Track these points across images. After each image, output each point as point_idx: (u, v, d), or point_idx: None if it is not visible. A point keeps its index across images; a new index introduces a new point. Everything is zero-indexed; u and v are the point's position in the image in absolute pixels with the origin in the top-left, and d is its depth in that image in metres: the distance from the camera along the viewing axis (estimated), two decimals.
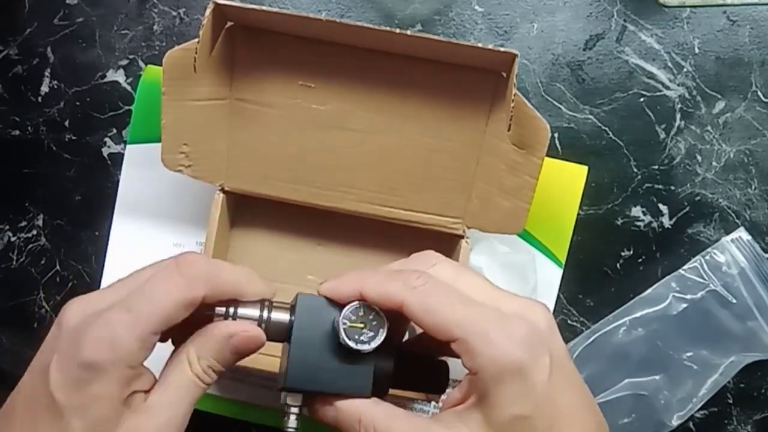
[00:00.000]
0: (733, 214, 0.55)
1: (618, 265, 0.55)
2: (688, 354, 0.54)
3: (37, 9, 0.55)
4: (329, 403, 0.35)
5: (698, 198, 0.55)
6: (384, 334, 0.35)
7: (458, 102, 0.46)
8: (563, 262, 0.53)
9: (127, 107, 0.55)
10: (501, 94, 0.45)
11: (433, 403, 0.52)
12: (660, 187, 0.55)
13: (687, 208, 0.55)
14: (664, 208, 0.55)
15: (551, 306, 0.53)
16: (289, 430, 0.36)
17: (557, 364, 0.33)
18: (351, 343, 0.35)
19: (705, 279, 0.54)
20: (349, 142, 0.47)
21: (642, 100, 0.55)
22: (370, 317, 0.35)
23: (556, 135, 0.54)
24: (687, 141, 0.55)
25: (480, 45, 0.42)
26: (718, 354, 0.54)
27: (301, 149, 0.48)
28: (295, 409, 0.36)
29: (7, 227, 0.55)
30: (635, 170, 0.55)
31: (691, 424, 0.54)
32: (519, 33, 0.55)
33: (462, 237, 0.48)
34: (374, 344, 0.35)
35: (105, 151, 0.55)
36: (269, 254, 0.52)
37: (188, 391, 0.34)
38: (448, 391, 0.38)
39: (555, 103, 0.55)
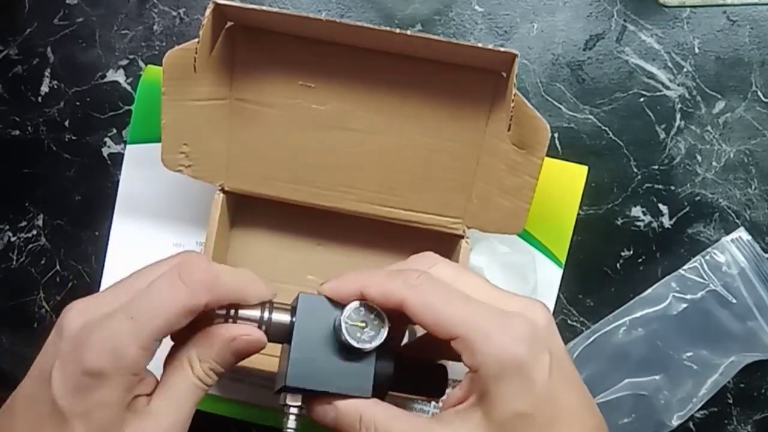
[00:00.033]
0: (733, 214, 0.55)
1: (618, 265, 0.55)
2: (688, 354, 0.54)
3: (37, 9, 0.55)
4: (329, 403, 0.35)
5: (698, 198, 0.55)
6: (385, 334, 0.35)
7: (458, 102, 0.46)
8: (563, 262, 0.53)
9: (127, 107, 0.55)
10: (501, 94, 0.45)
11: (433, 403, 0.52)
12: (660, 187, 0.55)
13: (687, 208, 0.55)
14: (664, 208, 0.55)
15: (551, 306, 0.53)
16: (289, 430, 0.35)
17: (557, 363, 0.33)
18: (353, 342, 0.35)
19: (705, 279, 0.54)
20: (349, 142, 0.47)
21: (642, 100, 0.55)
22: (372, 316, 0.35)
23: (556, 135, 0.54)
24: (687, 141, 0.55)
25: (480, 45, 0.42)
26: (718, 354, 0.54)
27: (301, 149, 0.48)
28: (294, 410, 0.36)
29: (7, 227, 0.55)
30: (635, 170, 0.55)
31: (691, 424, 0.54)
32: (519, 33, 0.55)
33: (462, 237, 0.48)
34: (375, 343, 0.35)
35: (105, 151, 0.55)
36: (269, 254, 0.52)
37: (190, 394, 0.34)
38: (447, 391, 0.38)
39: (555, 103, 0.55)
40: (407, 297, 0.34)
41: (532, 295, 0.52)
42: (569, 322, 0.54)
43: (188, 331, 0.35)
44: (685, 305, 0.54)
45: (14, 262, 0.55)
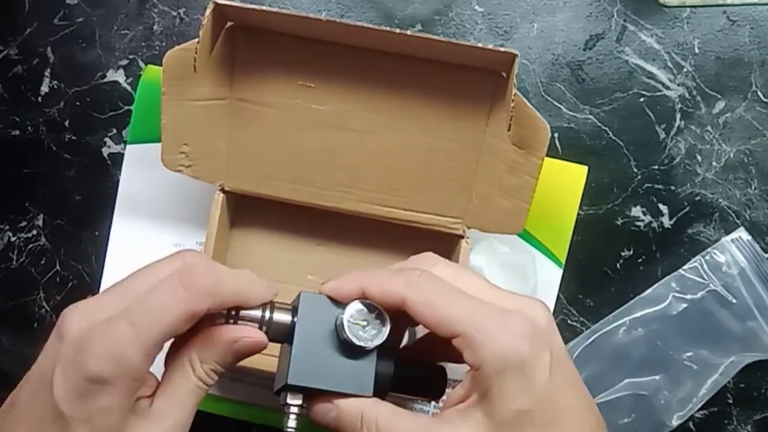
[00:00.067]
0: (733, 214, 0.55)
1: (618, 265, 0.55)
2: (688, 354, 0.54)
3: (37, 9, 0.55)
4: (330, 402, 0.35)
5: (698, 198, 0.55)
6: (387, 332, 0.35)
7: (458, 102, 0.46)
8: (563, 262, 0.53)
9: (127, 107, 0.55)
10: (501, 94, 0.45)
11: (433, 402, 0.52)
12: (660, 187, 0.55)
13: (687, 208, 0.55)
14: (664, 208, 0.55)
15: (551, 306, 0.53)
16: (289, 430, 0.36)
17: (557, 362, 0.33)
18: (355, 340, 0.35)
19: (705, 279, 0.54)
20: (349, 142, 0.47)
21: (642, 100, 0.55)
22: (373, 315, 0.35)
23: (556, 135, 0.54)
24: (687, 141, 0.55)
25: (480, 45, 0.42)
26: (718, 354, 0.54)
27: (301, 149, 0.48)
28: (295, 409, 0.36)
29: (7, 227, 0.55)
30: (635, 170, 0.55)
31: (691, 424, 0.54)
32: (519, 33, 0.55)
33: (462, 237, 0.48)
34: (377, 341, 0.35)
35: (105, 151, 0.55)
36: (269, 254, 0.52)
37: (192, 395, 0.35)
38: (447, 391, 0.38)
39: (555, 103, 0.55)
40: (408, 295, 0.34)
41: (532, 295, 0.52)
42: (569, 322, 0.54)
43: (189, 330, 0.35)
44: (685, 305, 0.54)
45: (14, 262, 0.55)
